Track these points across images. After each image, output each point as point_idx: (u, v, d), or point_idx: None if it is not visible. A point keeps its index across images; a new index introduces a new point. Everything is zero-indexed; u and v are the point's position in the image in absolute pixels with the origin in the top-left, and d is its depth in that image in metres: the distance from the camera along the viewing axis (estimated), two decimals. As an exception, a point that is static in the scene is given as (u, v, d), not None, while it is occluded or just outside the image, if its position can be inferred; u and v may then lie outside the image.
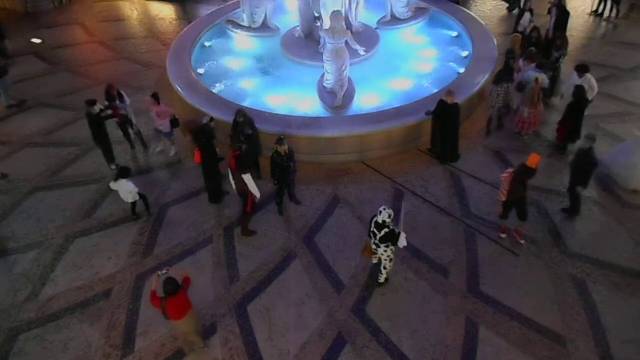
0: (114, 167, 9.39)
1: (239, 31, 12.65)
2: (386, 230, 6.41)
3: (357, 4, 11.57)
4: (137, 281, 7.43)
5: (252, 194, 7.56)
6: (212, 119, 8.63)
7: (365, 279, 7.24)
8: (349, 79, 10.02)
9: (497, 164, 9.18)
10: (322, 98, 9.97)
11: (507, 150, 9.45)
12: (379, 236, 6.49)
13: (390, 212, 6.37)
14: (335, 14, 9.50)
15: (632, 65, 11.83)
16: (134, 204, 8.34)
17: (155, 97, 9.29)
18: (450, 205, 8.37)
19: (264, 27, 12.56)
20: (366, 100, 10.20)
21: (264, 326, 6.70)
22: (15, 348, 6.65)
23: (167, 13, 16.29)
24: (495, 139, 9.79)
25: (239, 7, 12.78)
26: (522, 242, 7.62)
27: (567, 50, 10.46)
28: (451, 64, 11.35)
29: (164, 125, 9.38)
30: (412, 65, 11.39)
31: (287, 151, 7.72)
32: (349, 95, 9.90)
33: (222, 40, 12.94)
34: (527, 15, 11.92)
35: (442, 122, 8.86)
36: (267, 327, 6.69)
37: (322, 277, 7.32)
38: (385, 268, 6.93)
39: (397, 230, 6.46)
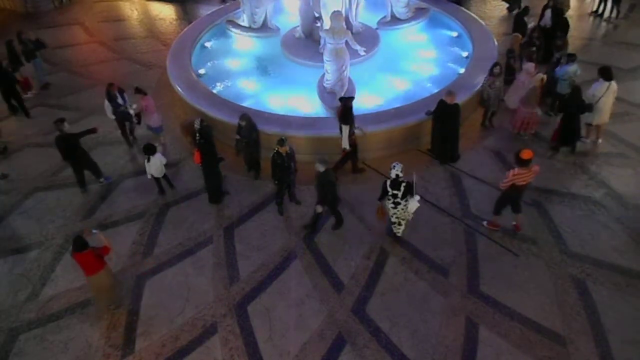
0: (82, 190, 9.08)
1: (239, 31, 12.66)
2: (404, 184, 6.98)
3: (357, 4, 11.57)
4: (137, 281, 7.43)
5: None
6: (202, 121, 8.61)
7: (365, 279, 7.24)
8: (349, 79, 10.02)
9: (497, 164, 9.19)
10: (322, 98, 9.97)
11: (507, 150, 9.43)
12: (400, 193, 7.02)
13: (402, 165, 6.95)
14: (335, 14, 9.50)
15: (632, 65, 11.83)
16: (159, 181, 8.63)
17: (139, 90, 9.29)
18: (450, 205, 8.37)
19: (264, 27, 12.56)
20: (366, 100, 10.20)
21: (264, 326, 6.70)
22: (16, 348, 6.65)
23: (167, 13, 16.30)
24: (495, 139, 9.80)
25: (239, 7, 12.79)
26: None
27: (567, 50, 10.46)
28: (451, 64, 11.35)
29: (153, 120, 9.38)
30: (412, 66, 11.39)
31: (287, 151, 7.73)
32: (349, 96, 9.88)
33: (222, 40, 12.95)
34: (548, 12, 11.73)
35: (442, 122, 8.85)
36: (267, 327, 6.69)
37: (322, 277, 7.32)
38: (403, 219, 7.42)
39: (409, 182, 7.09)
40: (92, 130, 8.74)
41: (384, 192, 7.17)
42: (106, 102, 9.61)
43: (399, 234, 7.65)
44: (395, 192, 7.04)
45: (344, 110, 8.32)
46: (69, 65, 13.44)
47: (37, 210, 8.77)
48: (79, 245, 6.49)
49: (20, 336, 6.79)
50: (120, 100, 9.62)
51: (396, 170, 6.92)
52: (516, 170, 6.99)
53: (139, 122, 9.98)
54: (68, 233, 8.28)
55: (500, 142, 9.71)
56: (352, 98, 8.51)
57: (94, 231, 6.79)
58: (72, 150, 8.60)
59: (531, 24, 11.72)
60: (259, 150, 8.84)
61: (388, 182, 7.07)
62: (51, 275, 7.61)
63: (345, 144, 8.51)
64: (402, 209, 7.22)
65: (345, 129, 8.35)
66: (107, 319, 6.93)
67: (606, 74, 8.77)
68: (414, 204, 7.13)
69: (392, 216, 7.41)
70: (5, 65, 11.53)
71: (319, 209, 7.60)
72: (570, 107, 8.70)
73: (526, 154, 6.91)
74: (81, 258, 6.57)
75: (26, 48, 11.84)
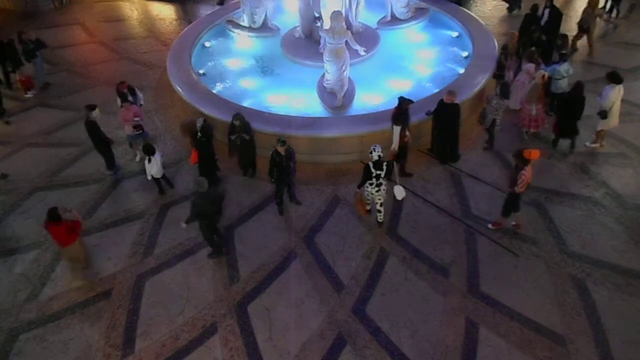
0: (111, 173, 9.35)
1: (239, 31, 12.66)
2: (386, 163, 7.33)
3: (357, 4, 11.57)
4: (137, 281, 7.44)
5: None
6: (205, 121, 8.63)
7: (365, 279, 7.23)
8: (349, 79, 10.02)
9: (497, 164, 9.18)
10: (322, 98, 9.98)
11: (507, 151, 9.41)
12: (384, 172, 7.36)
13: (381, 147, 7.35)
14: (336, 14, 9.50)
15: (632, 65, 11.82)
16: (159, 181, 8.64)
17: (125, 99, 9.33)
18: (450, 205, 8.37)
19: (264, 27, 12.57)
20: (366, 100, 10.20)
21: (264, 326, 6.70)
22: (15, 348, 6.65)
23: (167, 13, 16.29)
24: (496, 139, 9.77)
25: (239, 7, 12.79)
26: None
27: (568, 50, 10.45)
28: (451, 64, 11.34)
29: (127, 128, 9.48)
30: (412, 65, 11.39)
31: (287, 151, 7.72)
32: (349, 95, 9.90)
33: (222, 40, 12.95)
34: (547, 12, 11.60)
35: (442, 122, 8.85)
36: (267, 327, 6.69)
37: (322, 277, 7.32)
38: (382, 205, 7.79)
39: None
40: (108, 140, 9.17)
41: (366, 177, 7.42)
42: (118, 100, 9.72)
43: (381, 220, 7.95)
44: (379, 172, 7.32)
45: (399, 111, 8.31)
46: (69, 65, 13.44)
47: (37, 210, 8.76)
48: (54, 216, 6.81)
49: (20, 336, 6.79)
50: (130, 98, 9.64)
51: (377, 152, 7.25)
52: (527, 169, 6.98)
53: (142, 130, 9.72)
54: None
55: (500, 142, 9.69)
56: (410, 101, 8.41)
57: (68, 209, 7.27)
58: (95, 138, 8.94)
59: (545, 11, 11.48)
60: (254, 150, 8.85)
61: (371, 164, 7.31)
62: (51, 275, 7.61)
63: (395, 145, 8.50)
64: (383, 190, 7.56)
65: (397, 129, 8.32)
66: (107, 319, 6.93)
67: (616, 77, 8.78)
68: (399, 190, 7.74)
69: (376, 202, 7.75)
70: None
71: (184, 225, 7.33)
72: (570, 103, 8.75)
73: (535, 154, 6.91)
74: (55, 229, 6.90)
75: (26, 48, 11.86)
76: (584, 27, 11.96)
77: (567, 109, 8.88)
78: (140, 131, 9.40)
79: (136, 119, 9.25)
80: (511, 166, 8.95)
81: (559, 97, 9.47)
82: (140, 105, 9.93)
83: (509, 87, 9.08)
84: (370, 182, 7.45)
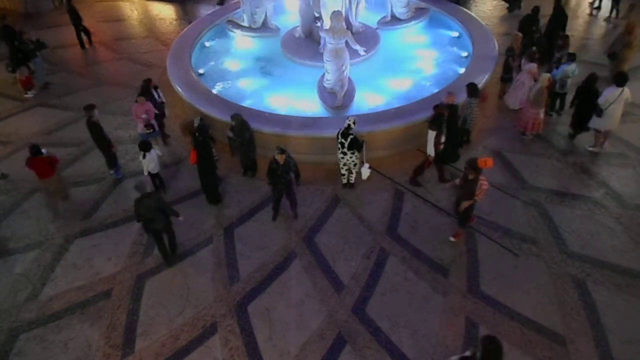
0: (112, 172, 9.38)
1: (239, 31, 12.66)
2: (351, 136, 7.73)
3: (357, 4, 11.58)
4: (137, 281, 7.44)
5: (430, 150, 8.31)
6: (202, 119, 8.64)
7: (365, 279, 7.23)
8: (349, 79, 10.02)
9: (497, 165, 9.15)
10: (322, 98, 9.97)
11: (507, 151, 9.45)
12: (346, 144, 7.84)
13: (355, 119, 7.80)
14: (336, 14, 9.50)
15: (632, 65, 11.81)
16: (154, 176, 8.70)
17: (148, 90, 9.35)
18: (450, 205, 8.36)
19: (264, 27, 12.57)
20: (366, 100, 10.20)
21: (264, 326, 6.70)
22: (15, 348, 6.65)
23: (167, 13, 16.31)
24: (496, 139, 9.80)
25: (239, 7, 12.80)
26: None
27: (568, 50, 10.45)
28: (451, 64, 11.34)
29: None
30: (412, 65, 11.38)
31: (286, 161, 7.64)
32: (349, 95, 9.90)
33: (222, 40, 12.95)
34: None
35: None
36: (267, 327, 6.69)
37: (322, 277, 7.32)
38: (352, 172, 8.45)
39: (360, 139, 7.93)
40: (110, 144, 9.16)
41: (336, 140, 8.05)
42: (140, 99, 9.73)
43: (352, 181, 8.59)
44: (342, 140, 7.78)
45: (435, 115, 8.07)
46: (69, 65, 13.45)
47: (37, 210, 8.77)
48: (35, 150, 8.01)
49: (20, 336, 6.79)
50: (156, 96, 9.69)
51: (349, 121, 7.70)
52: (483, 178, 6.85)
53: (153, 129, 9.55)
54: (68, 233, 8.29)
55: (501, 142, 9.71)
56: (446, 106, 8.13)
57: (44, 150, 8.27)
58: (96, 137, 8.97)
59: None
60: (254, 149, 8.85)
61: (340, 130, 7.79)
62: (51, 275, 7.61)
63: (430, 151, 8.24)
64: (349, 159, 8.14)
65: (432, 134, 8.04)
66: (107, 319, 6.93)
67: (619, 79, 8.62)
68: (365, 171, 8.32)
69: (342, 167, 8.37)
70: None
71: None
72: (584, 93, 8.93)
73: (489, 163, 6.69)
74: (37, 163, 8.07)
75: (26, 48, 11.86)
76: (612, 52, 11.05)
77: (587, 102, 8.92)
78: (151, 130, 9.38)
79: (145, 115, 9.24)
80: (512, 166, 9.02)
81: (577, 91, 9.29)
82: (162, 102, 9.91)
83: (476, 86, 8.96)
84: (337, 147, 8.03)
